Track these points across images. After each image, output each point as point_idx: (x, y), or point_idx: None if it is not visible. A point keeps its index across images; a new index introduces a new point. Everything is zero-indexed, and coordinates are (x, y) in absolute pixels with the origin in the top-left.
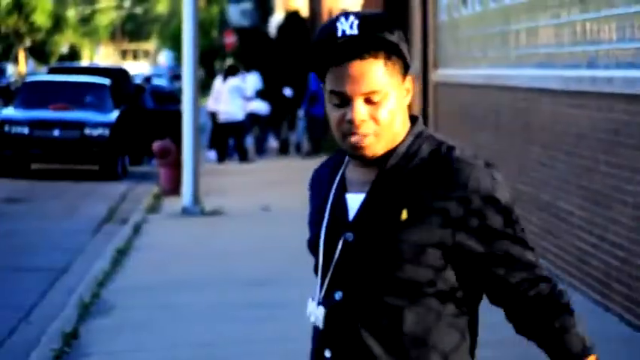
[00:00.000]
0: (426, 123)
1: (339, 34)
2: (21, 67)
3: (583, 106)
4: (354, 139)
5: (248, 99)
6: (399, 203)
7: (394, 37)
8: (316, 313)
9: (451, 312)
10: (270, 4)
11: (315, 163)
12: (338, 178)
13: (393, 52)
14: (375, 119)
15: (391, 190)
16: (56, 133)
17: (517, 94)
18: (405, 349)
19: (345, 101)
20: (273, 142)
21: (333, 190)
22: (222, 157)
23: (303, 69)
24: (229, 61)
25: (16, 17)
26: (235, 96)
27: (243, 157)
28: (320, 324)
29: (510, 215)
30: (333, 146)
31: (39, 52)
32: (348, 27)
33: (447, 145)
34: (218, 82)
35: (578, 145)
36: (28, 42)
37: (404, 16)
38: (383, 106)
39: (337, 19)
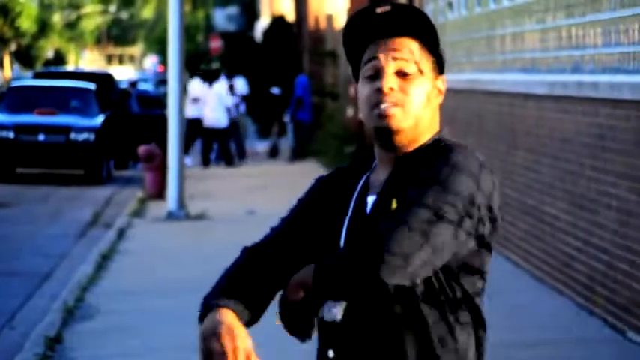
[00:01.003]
0: None
1: (379, 11)
2: (6, 72)
3: (568, 111)
4: (382, 106)
5: (234, 105)
6: (391, 197)
7: (432, 31)
8: (334, 309)
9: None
10: (255, 9)
11: (300, 166)
12: (362, 182)
13: (428, 44)
14: (403, 90)
15: (396, 187)
16: (42, 137)
17: (502, 99)
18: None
19: (377, 74)
20: (259, 147)
21: (356, 193)
22: (206, 162)
23: (289, 74)
24: (215, 66)
25: (2, 22)
26: (221, 103)
27: (229, 162)
28: (338, 317)
29: (451, 187)
30: (319, 151)
31: (24, 57)
32: (388, 7)
33: (451, 144)
34: (198, 86)
35: (564, 150)
36: (13, 47)
37: None
38: (413, 83)
39: (374, 4)
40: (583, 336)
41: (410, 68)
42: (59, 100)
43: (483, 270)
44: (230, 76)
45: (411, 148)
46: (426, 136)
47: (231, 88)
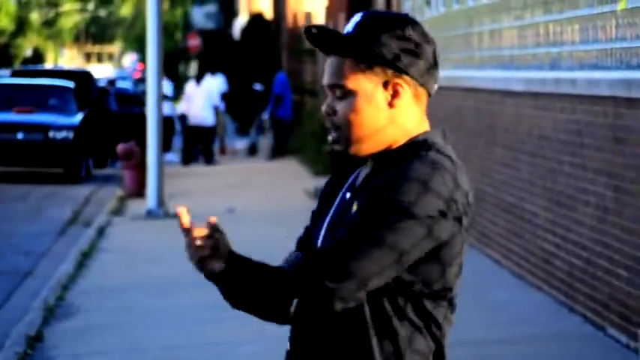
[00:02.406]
0: None
1: (313, 30)
2: None
3: (546, 108)
4: (329, 132)
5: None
6: (354, 197)
7: (381, 43)
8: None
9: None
10: (234, 7)
11: (280, 164)
12: (351, 178)
13: (364, 58)
14: (341, 111)
15: (358, 189)
16: (20, 135)
17: (480, 96)
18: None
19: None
20: (239, 144)
21: (343, 189)
22: (188, 160)
23: (268, 71)
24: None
25: None
26: (209, 101)
27: (209, 160)
28: (292, 309)
29: (391, 215)
30: (298, 148)
31: (2, 55)
32: (351, 24)
33: (424, 150)
34: (191, 86)
35: (542, 147)
36: None
37: None
38: (349, 101)
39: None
40: (563, 332)
41: (341, 89)
42: (38, 99)
43: (431, 275)
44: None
45: (384, 147)
46: (398, 136)
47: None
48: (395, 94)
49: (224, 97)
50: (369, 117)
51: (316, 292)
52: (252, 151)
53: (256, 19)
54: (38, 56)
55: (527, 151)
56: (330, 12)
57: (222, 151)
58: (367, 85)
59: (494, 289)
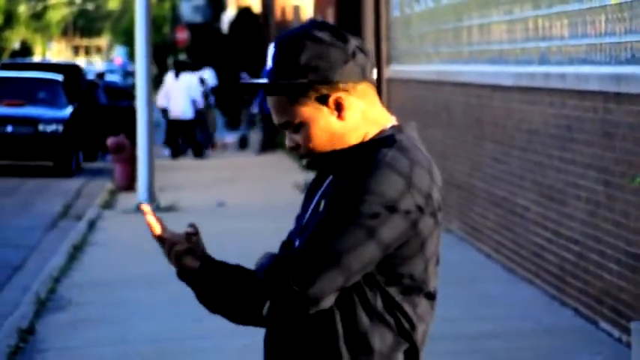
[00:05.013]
0: None
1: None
2: None
3: (535, 102)
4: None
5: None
6: (322, 198)
7: (301, 66)
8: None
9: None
10: (222, 1)
11: (269, 158)
12: (327, 182)
13: (297, 90)
14: (299, 146)
15: (326, 190)
16: (9, 129)
17: (469, 90)
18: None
19: None
20: (229, 138)
21: (318, 193)
22: (175, 154)
23: (256, 65)
24: (182, 57)
25: None
26: (188, 94)
27: (198, 153)
28: (264, 311)
29: (357, 217)
30: None
31: None
32: (270, 58)
33: (382, 149)
34: (169, 79)
35: (532, 141)
36: None
37: (356, 12)
38: (302, 133)
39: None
40: (555, 326)
41: (291, 125)
42: (27, 92)
43: (402, 273)
44: (199, 68)
45: (346, 145)
46: (368, 129)
47: (201, 81)
48: (340, 108)
49: (213, 91)
50: (329, 138)
51: (285, 297)
52: (243, 144)
53: (244, 12)
54: (26, 49)
55: (517, 146)
56: (319, 5)
57: (212, 145)
58: (311, 112)
59: (486, 284)
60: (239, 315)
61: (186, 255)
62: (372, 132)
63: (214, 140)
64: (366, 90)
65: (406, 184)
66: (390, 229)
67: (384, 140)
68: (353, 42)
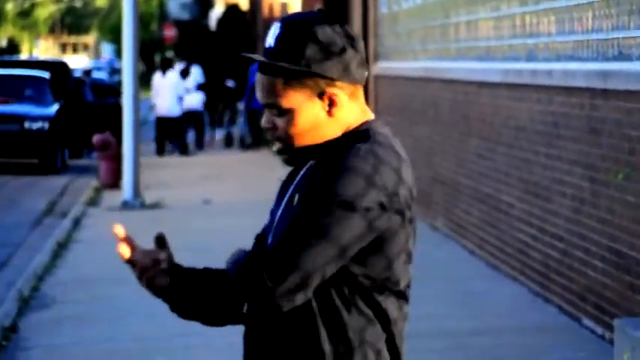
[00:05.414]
0: None
1: (265, 43)
2: None
3: (522, 99)
4: (273, 145)
5: (185, 94)
6: (296, 191)
7: (307, 56)
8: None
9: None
10: None
11: (255, 155)
12: (303, 171)
13: (296, 76)
14: (276, 125)
15: (299, 183)
16: None
17: (457, 87)
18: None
19: None
20: (216, 135)
21: (291, 187)
22: (161, 151)
23: (243, 62)
24: (169, 55)
25: None
26: (174, 92)
27: (184, 151)
28: (244, 308)
29: (329, 214)
30: None
31: None
32: (271, 36)
33: (364, 141)
34: (157, 77)
35: (518, 138)
36: None
37: (344, 9)
38: (286, 118)
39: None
40: (538, 323)
41: (277, 108)
42: (13, 89)
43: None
44: (187, 65)
45: (322, 141)
46: (338, 132)
47: (185, 73)
48: (332, 104)
49: (200, 88)
50: (310, 129)
51: (259, 294)
52: (228, 142)
53: (232, 9)
54: (13, 47)
55: (504, 142)
56: (306, 2)
57: (200, 143)
58: (302, 101)
59: (470, 280)
60: (212, 318)
61: (157, 276)
62: (350, 128)
63: (204, 138)
64: (358, 92)
65: (367, 182)
66: (349, 228)
67: (360, 136)
68: (358, 45)
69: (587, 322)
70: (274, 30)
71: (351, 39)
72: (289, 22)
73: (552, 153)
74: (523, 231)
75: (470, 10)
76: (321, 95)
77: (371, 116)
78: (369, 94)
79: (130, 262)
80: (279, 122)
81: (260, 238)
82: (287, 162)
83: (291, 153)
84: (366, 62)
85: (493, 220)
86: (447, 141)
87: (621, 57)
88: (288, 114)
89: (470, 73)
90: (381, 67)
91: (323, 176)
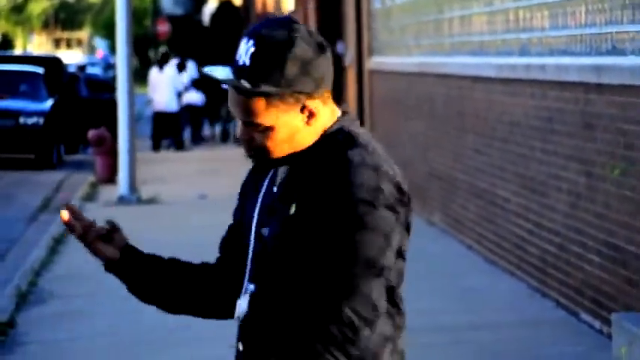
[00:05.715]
0: (361, 111)
1: (237, 58)
2: None
3: (516, 94)
4: (246, 152)
5: (184, 89)
6: (290, 199)
7: (287, 75)
8: (241, 305)
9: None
10: None
11: None
12: (271, 173)
13: (277, 96)
14: (254, 140)
15: (287, 186)
16: None
17: (451, 82)
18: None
19: None
20: (208, 131)
21: (264, 185)
22: (157, 146)
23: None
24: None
25: None
26: (172, 87)
27: (180, 146)
28: (241, 315)
29: (355, 234)
30: None
31: None
32: (244, 53)
33: (347, 147)
34: (154, 72)
35: (513, 133)
36: None
37: (338, 4)
38: (264, 134)
39: (244, 36)
40: (536, 318)
41: (257, 126)
42: (8, 85)
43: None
44: (182, 60)
45: (300, 149)
46: (315, 137)
47: (181, 66)
48: (311, 115)
49: (194, 83)
50: (288, 139)
51: (337, 322)
52: (224, 137)
53: (225, 4)
54: (7, 42)
55: (499, 137)
56: (300, 0)
57: (197, 138)
58: (284, 117)
59: (467, 275)
60: (173, 305)
61: (105, 245)
62: (325, 129)
63: (202, 134)
64: (329, 95)
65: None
66: (381, 219)
67: (348, 141)
68: (328, 49)
69: (584, 316)
70: (247, 46)
71: (320, 45)
72: (262, 37)
73: (548, 148)
74: (520, 226)
75: (463, 5)
76: (302, 109)
77: (339, 112)
78: (364, 88)
79: (68, 225)
80: (258, 137)
81: (226, 241)
82: (260, 166)
83: (268, 162)
84: (331, 65)
85: (490, 215)
86: (443, 136)
87: (615, 51)
88: (268, 130)
89: (464, 68)
90: (375, 62)
91: (332, 189)
